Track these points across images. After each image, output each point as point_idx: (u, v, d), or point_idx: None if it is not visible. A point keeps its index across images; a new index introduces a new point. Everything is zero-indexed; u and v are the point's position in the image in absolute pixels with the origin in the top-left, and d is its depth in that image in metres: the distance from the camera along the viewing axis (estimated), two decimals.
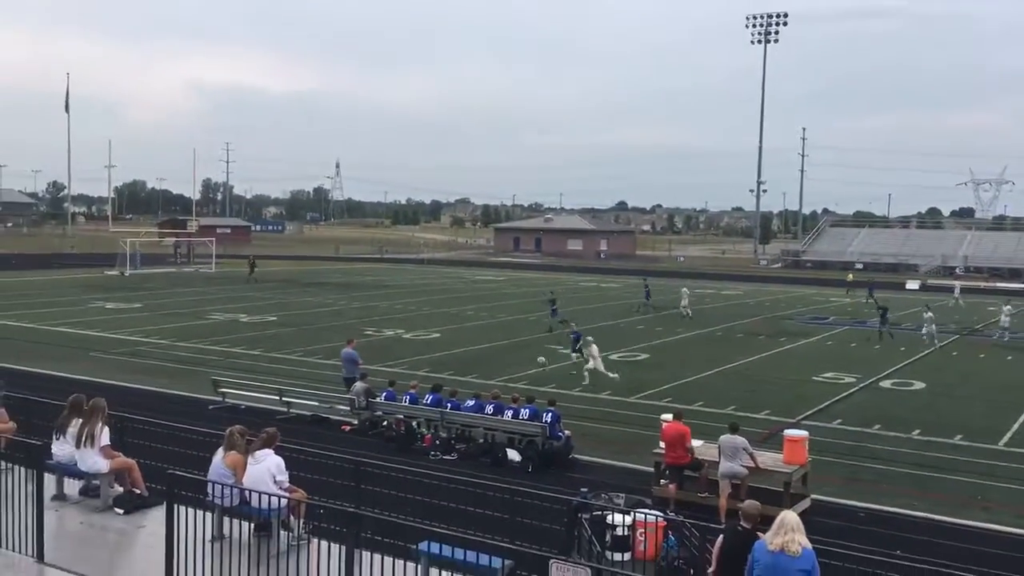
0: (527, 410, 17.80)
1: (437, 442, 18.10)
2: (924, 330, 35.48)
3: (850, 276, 66.11)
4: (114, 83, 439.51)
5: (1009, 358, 33.13)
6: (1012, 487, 16.52)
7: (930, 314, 36.15)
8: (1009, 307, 38.89)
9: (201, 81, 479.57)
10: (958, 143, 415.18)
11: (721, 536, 9.09)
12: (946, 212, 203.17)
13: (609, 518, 11.22)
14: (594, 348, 25.73)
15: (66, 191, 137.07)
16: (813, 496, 14.97)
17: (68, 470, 11.21)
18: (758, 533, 7.83)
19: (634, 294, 57.95)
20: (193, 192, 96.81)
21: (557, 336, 33.84)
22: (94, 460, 10.82)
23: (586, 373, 25.44)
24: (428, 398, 18.88)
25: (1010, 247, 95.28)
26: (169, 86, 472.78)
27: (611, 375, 25.36)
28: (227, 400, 21.41)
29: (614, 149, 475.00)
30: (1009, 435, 20.51)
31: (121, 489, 11.04)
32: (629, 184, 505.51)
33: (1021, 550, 13.08)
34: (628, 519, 11.09)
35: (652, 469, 15.54)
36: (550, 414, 17.50)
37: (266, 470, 9.72)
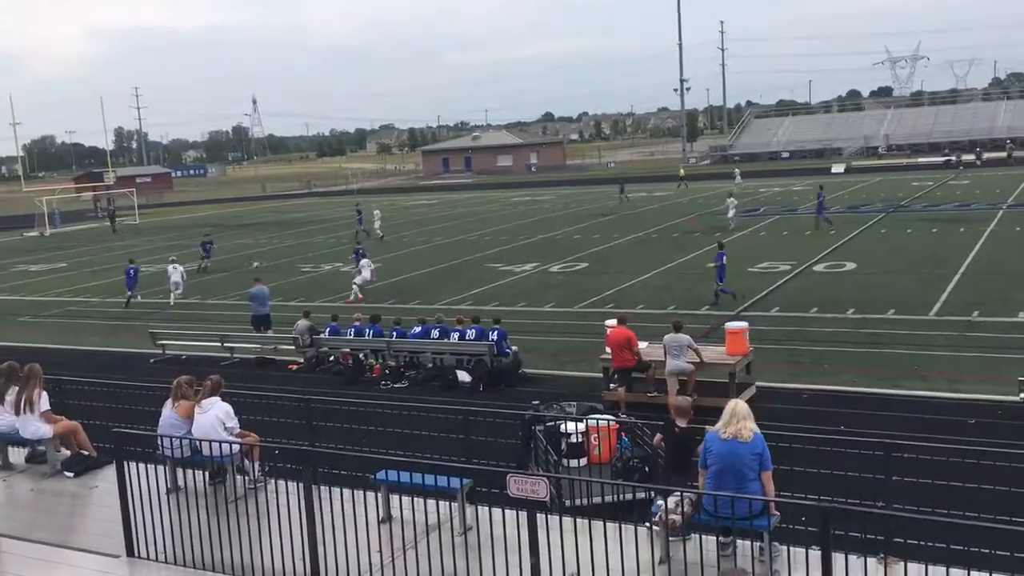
0: (473, 330, 17.85)
1: (386, 371, 18.09)
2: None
3: (682, 171, 68.58)
4: (9, 34, 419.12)
5: (934, 231, 34.10)
6: (944, 354, 17.17)
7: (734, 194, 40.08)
8: (733, 199, 40.32)
9: (101, 26, 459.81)
10: (873, 23, 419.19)
11: (659, 436, 9.32)
12: (865, 93, 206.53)
13: (562, 427, 11.37)
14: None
15: None
16: (758, 383, 15.38)
17: (11, 439, 10.97)
18: (706, 427, 8.01)
19: (567, 204, 58.04)
20: (106, 142, 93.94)
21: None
22: (36, 426, 10.59)
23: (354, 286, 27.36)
24: (369, 331, 18.80)
25: (928, 122, 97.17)
26: (68, 34, 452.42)
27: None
28: (167, 352, 21.06)
29: (535, 61, 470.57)
30: (939, 305, 21.23)
31: (68, 452, 10.85)
32: (553, 95, 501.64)
33: (956, 413, 13.65)
34: (581, 426, 11.26)
35: (601, 375, 15.78)
36: (496, 332, 17.58)
37: (214, 418, 9.60)
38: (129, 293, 29.54)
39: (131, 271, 29.72)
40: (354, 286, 27.53)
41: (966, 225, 34.64)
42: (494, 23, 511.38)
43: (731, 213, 38.96)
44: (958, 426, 12.88)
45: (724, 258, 23.36)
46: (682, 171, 69.50)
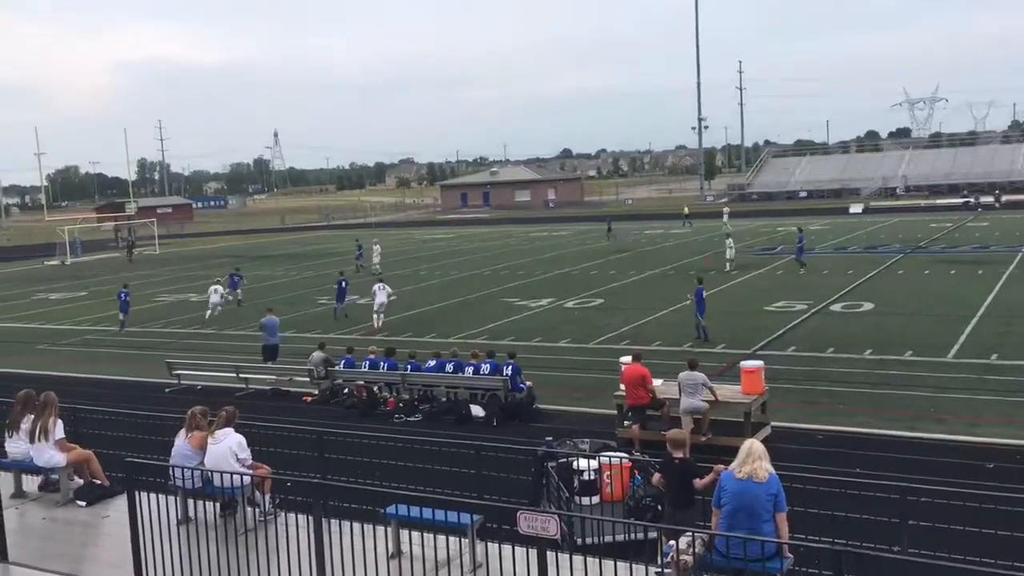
0: (487, 365, 17.83)
1: (400, 405, 18.07)
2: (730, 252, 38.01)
3: (686, 209, 69.66)
4: (35, 67, 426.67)
5: (953, 272, 33.92)
6: (962, 397, 16.99)
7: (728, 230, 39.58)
8: (731, 239, 39.32)
9: (124, 58, 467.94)
10: (892, 64, 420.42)
11: (658, 474, 9.29)
12: (884, 134, 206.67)
13: (575, 464, 11.31)
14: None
15: None
16: (773, 423, 15.26)
17: (24, 467, 11.02)
18: (724, 465, 7.96)
19: (584, 240, 58.10)
20: (128, 173, 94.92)
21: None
22: (50, 455, 10.63)
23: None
24: (383, 364, 18.82)
25: (947, 163, 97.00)
26: (93, 66, 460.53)
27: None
28: (183, 382, 21.14)
29: (554, 97, 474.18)
30: (957, 347, 21.05)
31: (81, 481, 10.88)
32: (572, 131, 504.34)
33: (974, 457, 13.48)
34: (594, 463, 11.19)
35: (615, 412, 15.71)
36: (510, 367, 17.55)
37: (227, 449, 9.62)
38: (122, 317, 30.56)
39: (122, 295, 30.81)
40: (374, 316, 27.73)
41: (985, 267, 34.45)
42: (514, 59, 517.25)
43: (729, 254, 38.20)
44: (976, 470, 12.72)
45: (703, 293, 23.78)
46: (686, 209, 70.11)
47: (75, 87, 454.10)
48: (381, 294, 27.91)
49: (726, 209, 65.84)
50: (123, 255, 63.54)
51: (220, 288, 32.48)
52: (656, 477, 9.42)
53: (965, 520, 9.07)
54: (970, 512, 8.93)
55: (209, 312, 31.45)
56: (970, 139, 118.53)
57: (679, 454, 8.96)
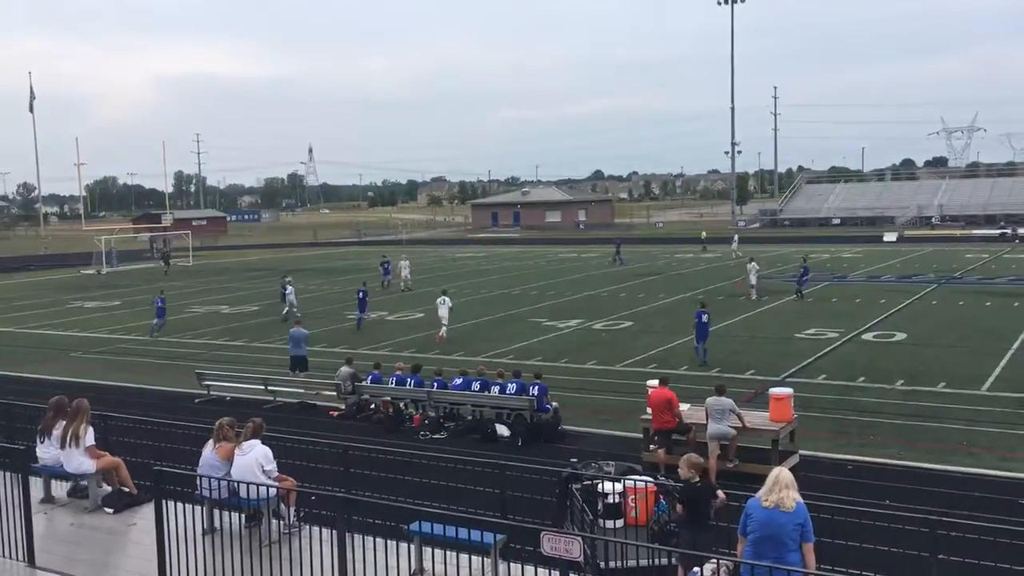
0: (514, 384, 17.81)
1: (426, 422, 18.10)
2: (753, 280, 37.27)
3: (703, 234, 70.41)
4: (77, 79, 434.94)
5: (988, 304, 33.46)
6: (996, 431, 16.72)
7: (753, 263, 37.94)
8: (755, 264, 38.08)
9: (165, 72, 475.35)
10: (929, 93, 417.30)
11: (679, 502, 9.26)
12: (920, 162, 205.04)
13: (600, 486, 11.24)
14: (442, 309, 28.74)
15: (36, 192, 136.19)
16: (801, 452, 15.09)
17: (55, 472, 11.16)
18: (725, 493, 7.94)
19: (613, 262, 58.00)
20: (165, 185, 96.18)
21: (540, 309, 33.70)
22: (80, 461, 10.75)
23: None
24: (410, 381, 18.88)
25: (984, 194, 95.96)
26: (133, 79, 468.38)
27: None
28: (212, 393, 21.31)
29: (586, 119, 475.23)
30: (991, 380, 20.74)
31: (109, 488, 10.99)
32: (604, 153, 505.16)
33: (1007, 492, 13.25)
34: (619, 486, 11.12)
35: (641, 435, 15.62)
36: (537, 387, 17.52)
37: (254, 460, 9.70)
38: (156, 322, 31.47)
39: (158, 301, 31.84)
40: (444, 327, 28.57)
41: (1021, 300, 33.94)
42: (547, 80, 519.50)
43: (753, 280, 37.14)
44: (1007, 505, 12.50)
45: (704, 316, 23.63)
46: (703, 233, 70.63)
47: (115, 99, 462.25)
48: (443, 308, 28.83)
49: (736, 235, 66.03)
50: (159, 266, 64.31)
51: (291, 287, 35.39)
52: (680, 508, 9.37)
53: (996, 556, 8.91)
54: (1001, 548, 8.77)
55: (296, 310, 33.57)
56: (1008, 170, 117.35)
57: (696, 477, 8.96)
